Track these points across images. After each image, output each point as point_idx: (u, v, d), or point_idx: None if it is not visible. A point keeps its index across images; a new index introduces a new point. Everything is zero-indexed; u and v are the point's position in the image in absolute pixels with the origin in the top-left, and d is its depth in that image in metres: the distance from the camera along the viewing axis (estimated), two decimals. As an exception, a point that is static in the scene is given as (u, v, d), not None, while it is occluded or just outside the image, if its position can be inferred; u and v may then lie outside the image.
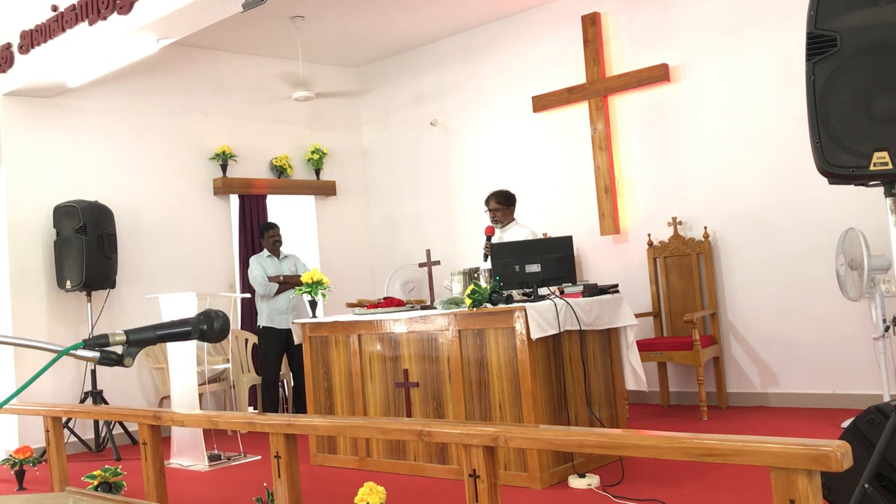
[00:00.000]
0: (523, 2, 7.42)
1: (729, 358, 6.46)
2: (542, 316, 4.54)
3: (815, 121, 2.59)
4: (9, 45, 6.56)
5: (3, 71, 6.63)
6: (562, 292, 4.99)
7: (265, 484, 4.18)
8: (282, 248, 7.28)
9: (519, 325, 4.51)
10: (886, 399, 5.06)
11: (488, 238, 5.68)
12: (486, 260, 5.36)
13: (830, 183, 2.69)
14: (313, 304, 5.85)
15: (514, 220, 5.96)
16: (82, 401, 6.68)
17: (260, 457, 5.88)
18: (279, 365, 7.16)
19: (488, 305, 4.69)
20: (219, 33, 7.02)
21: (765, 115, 6.22)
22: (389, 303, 5.49)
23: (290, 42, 7.71)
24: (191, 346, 5.80)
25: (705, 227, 6.50)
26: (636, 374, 5.11)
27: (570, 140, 7.30)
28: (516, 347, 4.55)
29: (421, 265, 6.19)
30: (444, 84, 8.30)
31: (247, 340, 7.59)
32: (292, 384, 7.34)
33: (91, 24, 5.77)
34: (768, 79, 6.19)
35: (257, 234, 7.71)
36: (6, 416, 6.24)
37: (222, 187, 7.81)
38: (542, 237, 6.54)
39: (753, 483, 4.11)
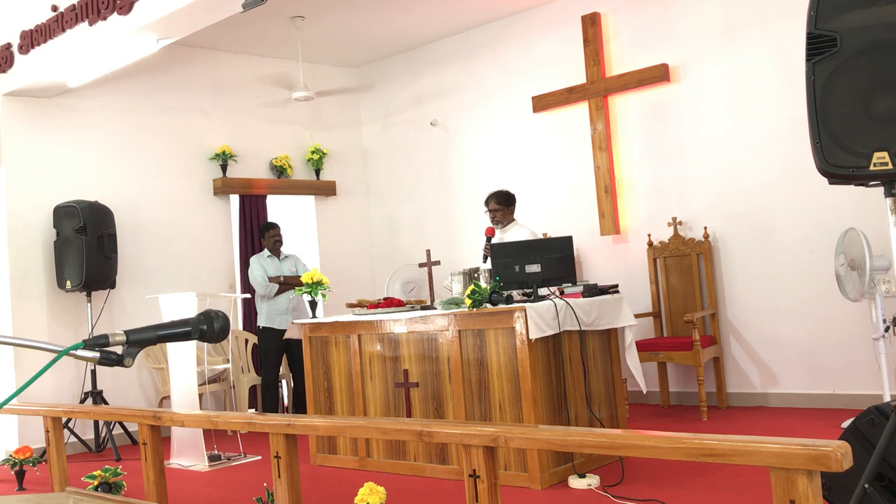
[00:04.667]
0: (523, 2, 7.42)
1: (729, 358, 6.46)
2: (541, 316, 4.54)
3: (815, 121, 2.59)
4: (9, 45, 6.56)
5: (3, 71, 6.63)
6: (562, 292, 4.99)
7: (265, 484, 4.18)
8: (282, 249, 7.28)
9: (519, 326, 4.51)
10: (886, 399, 5.05)
11: (488, 239, 5.67)
12: (485, 261, 5.36)
13: (830, 183, 2.69)
14: (313, 305, 5.85)
15: (514, 220, 5.95)
16: (82, 401, 6.67)
17: (260, 457, 5.88)
18: (279, 365, 7.16)
19: (488, 306, 4.69)
20: (219, 33, 7.02)
21: (765, 115, 6.22)
22: (389, 303, 5.49)
23: (290, 42, 7.71)
24: (191, 346, 5.80)
25: (705, 227, 6.50)
26: (634, 375, 5.12)
27: (570, 140, 7.30)
28: (516, 347, 4.55)
29: (421, 265, 6.19)
30: (444, 84, 8.30)
31: (247, 341, 7.59)
32: (292, 385, 7.34)
33: (91, 24, 5.77)
34: (768, 79, 6.19)
35: (257, 234, 7.71)
36: (6, 416, 6.24)
37: (222, 187, 7.81)
38: (542, 237, 6.54)
39: (753, 483, 4.11)
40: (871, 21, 2.52)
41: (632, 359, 5.10)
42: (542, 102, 7.39)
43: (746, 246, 6.35)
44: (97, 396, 6.62)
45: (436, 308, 5.05)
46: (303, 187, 8.44)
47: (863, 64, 2.54)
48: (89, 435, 6.76)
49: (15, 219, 6.70)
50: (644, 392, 5.29)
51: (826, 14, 2.59)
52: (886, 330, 4.98)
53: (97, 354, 1.50)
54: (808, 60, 2.61)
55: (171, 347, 5.97)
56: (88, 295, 6.78)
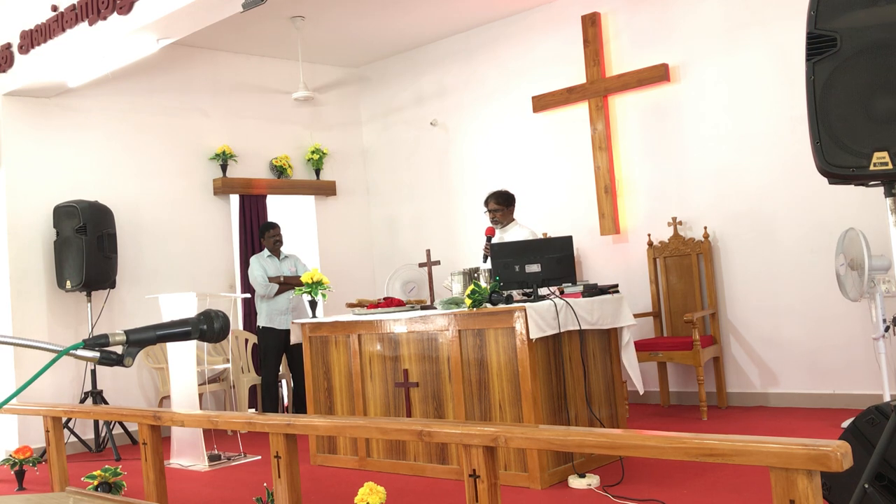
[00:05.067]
0: (523, 2, 7.42)
1: (729, 358, 6.46)
2: (541, 316, 4.54)
3: (815, 121, 2.59)
4: (9, 45, 6.56)
5: (3, 71, 6.63)
6: (562, 292, 4.99)
7: (265, 484, 4.18)
8: (282, 249, 7.28)
9: (519, 325, 4.51)
10: (886, 399, 5.05)
11: (488, 239, 5.67)
12: (485, 261, 5.36)
13: (830, 183, 2.69)
14: (313, 305, 5.85)
15: (513, 220, 5.95)
16: (82, 401, 6.67)
17: (260, 457, 5.89)
18: (279, 365, 7.16)
19: (488, 305, 4.69)
20: (219, 33, 7.02)
21: (765, 115, 6.22)
22: (389, 303, 5.49)
23: (290, 42, 7.71)
24: (191, 346, 5.80)
25: (705, 227, 6.50)
26: (630, 375, 5.12)
27: (570, 140, 7.30)
28: (516, 347, 4.55)
29: (421, 265, 6.19)
30: (444, 84, 8.30)
31: (247, 340, 7.59)
32: (292, 385, 7.34)
33: (91, 24, 5.77)
34: (768, 79, 6.19)
35: (257, 234, 7.71)
36: (6, 416, 6.24)
37: (222, 187, 7.81)
38: (542, 237, 6.54)
39: (753, 483, 4.11)
40: (871, 21, 2.52)
41: (629, 359, 5.09)
42: (542, 102, 7.39)
43: (746, 246, 6.35)
44: (97, 396, 6.62)
45: (436, 308, 5.05)
46: (303, 187, 8.44)
47: (863, 64, 2.54)
48: (89, 435, 6.76)
49: (15, 219, 6.69)
50: (641, 393, 5.29)
51: (826, 14, 2.59)
52: (886, 330, 4.98)
53: (97, 354, 1.50)
54: (808, 60, 2.61)
55: (171, 347, 5.97)
56: (88, 295, 6.78)
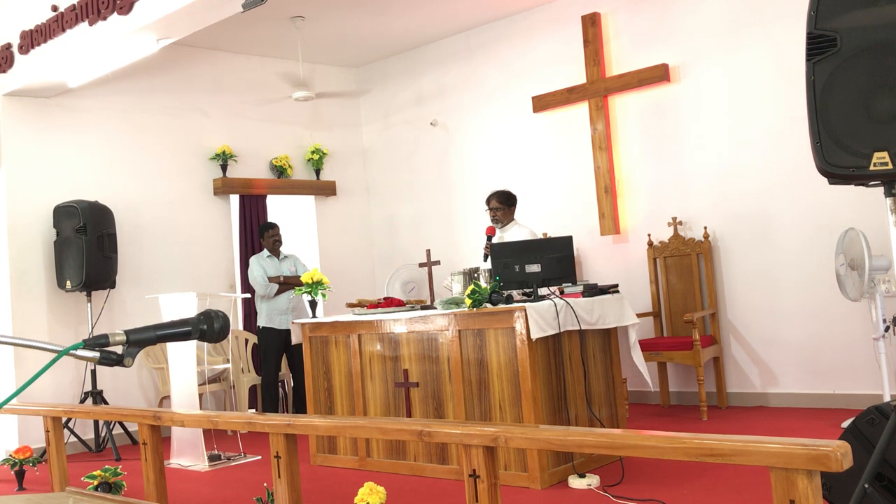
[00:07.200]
0: (523, 2, 7.42)
1: (729, 358, 6.46)
2: (541, 316, 4.54)
3: (815, 121, 2.59)
4: (9, 45, 6.56)
5: (3, 71, 6.63)
6: (562, 292, 4.99)
7: (265, 484, 4.18)
8: (282, 249, 7.28)
9: (519, 325, 4.51)
10: (886, 399, 5.05)
11: (489, 238, 5.68)
12: (486, 260, 5.37)
13: (830, 183, 2.69)
14: (313, 304, 5.85)
15: (514, 220, 5.96)
16: (82, 401, 6.67)
17: (260, 457, 5.89)
18: (279, 365, 7.16)
19: (488, 305, 4.69)
20: (219, 33, 7.02)
21: (765, 115, 6.22)
22: (389, 303, 5.49)
23: (290, 42, 7.71)
24: (191, 346, 5.80)
25: (705, 227, 6.50)
26: (642, 372, 5.12)
27: (570, 140, 7.30)
28: (516, 347, 4.55)
29: (421, 265, 6.19)
30: (444, 84, 8.30)
31: (247, 340, 7.59)
32: (292, 384, 7.34)
33: (91, 24, 5.77)
34: (768, 79, 6.19)
35: (257, 234, 7.71)
36: (6, 416, 6.24)
37: (222, 187, 7.81)
38: (542, 237, 6.54)
39: (753, 483, 4.11)
40: (871, 21, 2.52)
41: (637, 357, 5.09)
42: (542, 102, 7.39)
43: (746, 246, 6.35)
44: (97, 396, 6.62)
45: (436, 308, 5.05)
46: (303, 187, 8.44)
47: (863, 64, 2.54)
48: (89, 435, 6.76)
49: (15, 219, 6.69)
50: (653, 389, 5.28)
51: (826, 14, 2.59)
52: (886, 330, 4.98)
53: (97, 354, 1.50)
54: (808, 60, 2.61)
55: (171, 347, 5.97)
56: (88, 295, 6.78)
